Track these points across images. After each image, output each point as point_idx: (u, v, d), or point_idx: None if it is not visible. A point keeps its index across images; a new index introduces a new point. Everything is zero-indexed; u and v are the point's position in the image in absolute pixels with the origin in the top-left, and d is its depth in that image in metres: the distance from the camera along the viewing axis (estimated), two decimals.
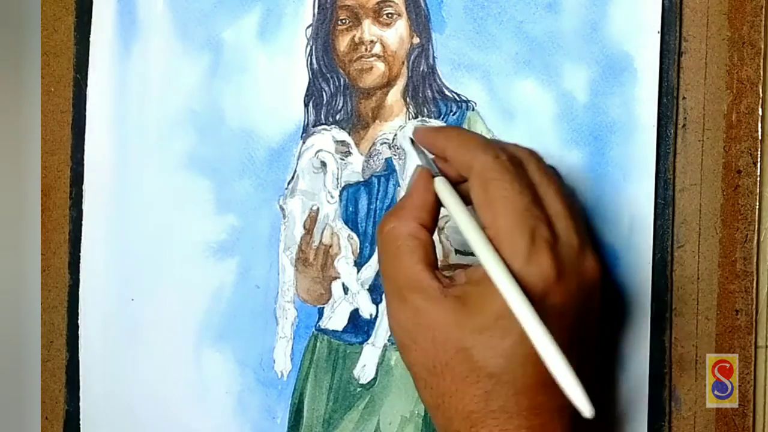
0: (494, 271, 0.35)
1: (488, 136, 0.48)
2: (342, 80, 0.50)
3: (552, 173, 0.40)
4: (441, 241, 0.48)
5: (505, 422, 0.35)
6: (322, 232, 0.50)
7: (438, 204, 0.40)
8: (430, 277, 0.37)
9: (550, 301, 0.36)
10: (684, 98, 0.47)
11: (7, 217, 0.47)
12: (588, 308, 0.38)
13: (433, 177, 0.40)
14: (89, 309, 0.53)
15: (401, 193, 0.49)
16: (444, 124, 0.49)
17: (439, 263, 0.49)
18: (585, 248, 0.38)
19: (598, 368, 0.46)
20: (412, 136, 0.43)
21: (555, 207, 0.38)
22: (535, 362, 0.34)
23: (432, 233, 0.39)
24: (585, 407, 0.33)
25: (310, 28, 0.50)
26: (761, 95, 0.45)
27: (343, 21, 0.50)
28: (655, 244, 0.46)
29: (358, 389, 0.50)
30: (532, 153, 0.40)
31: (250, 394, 0.51)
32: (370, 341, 0.50)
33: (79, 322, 0.53)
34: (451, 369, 0.36)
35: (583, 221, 0.41)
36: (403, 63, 0.49)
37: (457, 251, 0.48)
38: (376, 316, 0.50)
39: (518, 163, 0.38)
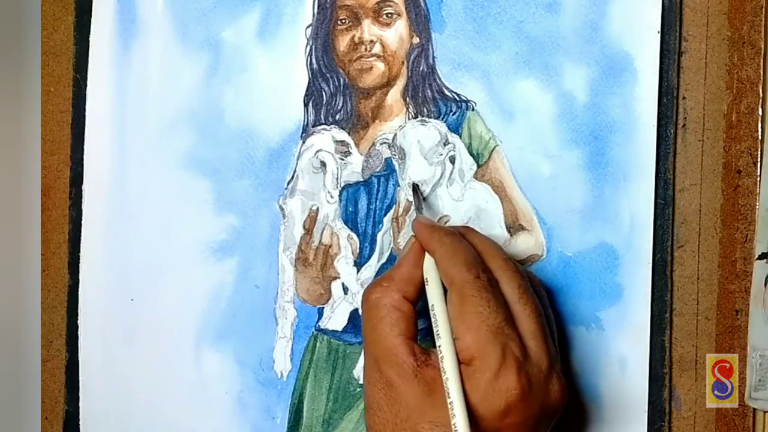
0: (450, 383, 0.37)
1: (488, 136, 0.48)
2: (342, 80, 0.50)
3: (530, 292, 0.41)
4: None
5: None
6: (322, 232, 0.50)
7: (423, 278, 0.41)
8: (407, 352, 0.39)
9: (508, 420, 0.37)
10: (684, 98, 0.47)
11: (7, 217, 0.47)
12: (543, 429, 0.40)
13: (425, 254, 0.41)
14: (89, 309, 0.53)
15: (401, 193, 0.49)
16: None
17: None
18: (553, 371, 0.40)
19: (599, 368, 0.46)
20: (414, 191, 0.47)
21: (529, 326, 0.39)
22: None
23: (415, 306, 0.41)
24: None
25: (310, 28, 0.50)
26: (761, 95, 0.45)
27: (343, 21, 0.50)
28: (655, 244, 0.46)
29: (358, 389, 0.50)
30: (515, 270, 0.41)
31: (249, 394, 0.51)
32: None
33: (78, 322, 0.53)
34: None
35: (554, 338, 0.42)
36: (402, 63, 0.49)
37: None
38: None
39: (496, 283, 0.40)
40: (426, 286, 0.41)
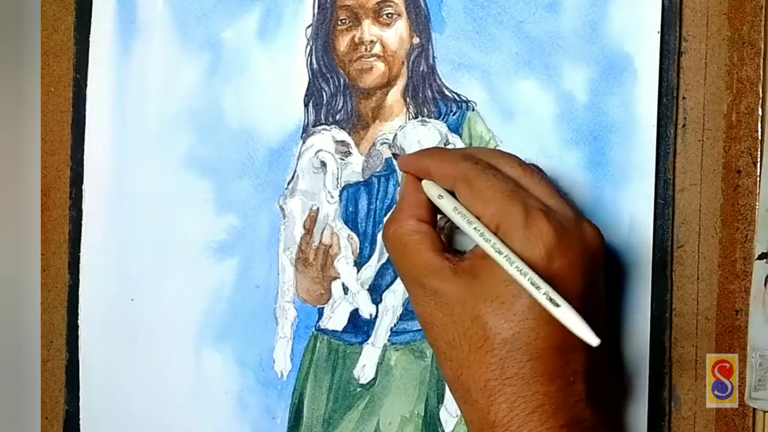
0: (487, 246, 0.37)
1: (488, 136, 0.48)
2: (342, 80, 0.50)
3: (531, 166, 0.41)
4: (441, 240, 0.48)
5: (521, 389, 0.36)
6: (322, 232, 0.50)
7: (431, 201, 0.42)
8: (440, 259, 0.39)
9: (555, 264, 0.37)
10: (684, 98, 0.47)
11: (7, 217, 0.47)
12: (594, 271, 0.39)
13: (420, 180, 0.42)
14: (89, 309, 0.53)
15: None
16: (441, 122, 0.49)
17: None
18: (581, 218, 0.40)
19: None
20: (393, 156, 0.47)
21: (541, 190, 0.40)
22: (546, 324, 0.36)
23: (433, 225, 0.41)
24: (590, 338, 0.35)
25: (310, 28, 0.50)
26: (761, 95, 0.45)
27: (343, 21, 0.50)
28: (655, 244, 0.46)
29: (358, 389, 0.50)
30: (509, 154, 0.42)
31: (249, 394, 0.51)
32: (370, 341, 0.50)
33: (79, 322, 0.53)
34: (468, 338, 0.38)
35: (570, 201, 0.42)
36: (403, 63, 0.49)
37: (456, 251, 0.48)
38: (376, 316, 0.50)
39: (495, 169, 0.40)
40: (436, 204, 0.41)
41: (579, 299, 0.37)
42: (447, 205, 0.40)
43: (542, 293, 0.35)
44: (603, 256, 0.40)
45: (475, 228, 0.38)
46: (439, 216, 0.43)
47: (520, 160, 0.42)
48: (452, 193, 0.41)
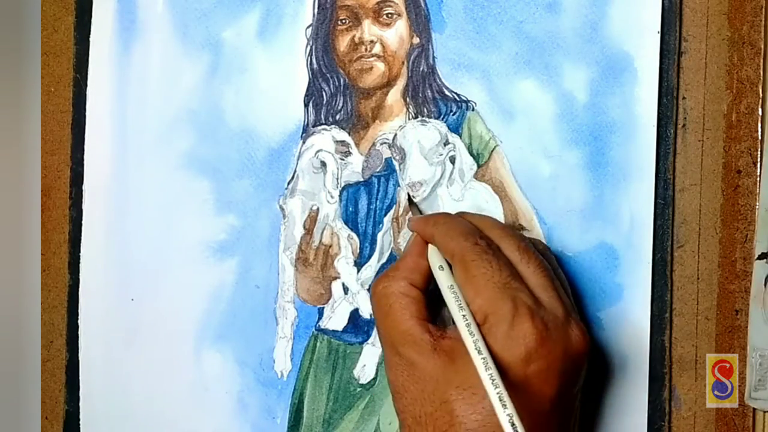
0: (468, 340, 0.37)
1: (488, 136, 0.48)
2: (342, 80, 0.50)
3: (531, 251, 0.41)
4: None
5: None
6: (322, 232, 0.50)
7: (430, 269, 0.41)
8: (422, 331, 0.39)
9: (532, 367, 0.37)
10: (684, 98, 0.47)
11: (7, 217, 0.47)
12: (572, 375, 0.39)
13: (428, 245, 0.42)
14: (89, 309, 0.53)
15: (401, 193, 0.49)
16: (442, 121, 0.49)
17: None
18: (570, 317, 0.39)
19: (598, 369, 0.46)
20: (410, 202, 0.48)
21: (536, 280, 0.40)
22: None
23: (424, 292, 0.41)
24: None
25: (310, 28, 0.50)
26: (761, 95, 0.45)
27: (343, 21, 0.50)
28: (655, 244, 0.46)
29: (358, 389, 0.50)
30: (513, 235, 0.42)
31: (250, 394, 0.51)
32: (370, 341, 0.50)
33: (79, 322, 0.53)
34: (434, 420, 0.38)
35: (568, 294, 0.42)
36: (403, 63, 0.49)
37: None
38: None
39: (497, 248, 0.40)
40: (434, 273, 0.41)
41: (550, 403, 0.37)
42: (443, 280, 0.40)
43: (506, 413, 0.35)
44: (585, 359, 0.40)
45: (463, 315, 0.38)
46: None
47: (524, 241, 0.41)
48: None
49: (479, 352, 0.36)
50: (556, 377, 0.38)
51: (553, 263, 0.43)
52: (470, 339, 0.37)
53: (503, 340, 0.37)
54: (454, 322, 0.39)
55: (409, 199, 0.48)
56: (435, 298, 0.41)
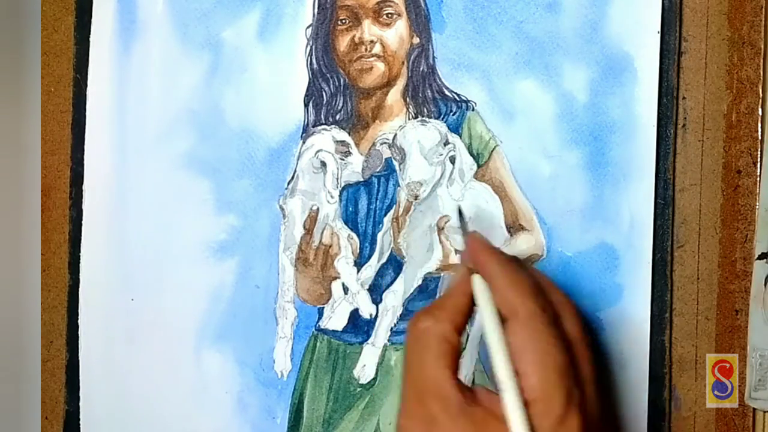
0: (513, 426, 0.34)
1: (488, 136, 0.48)
2: (342, 80, 0.50)
3: (587, 334, 0.38)
4: (441, 241, 0.48)
5: None
6: (322, 232, 0.50)
7: (471, 305, 0.38)
8: (455, 389, 0.36)
9: None
10: (684, 98, 0.47)
11: (7, 217, 0.47)
12: None
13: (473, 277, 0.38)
14: (89, 309, 0.53)
15: (401, 193, 0.49)
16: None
17: (440, 263, 0.49)
18: (602, 419, 0.37)
19: (598, 369, 0.46)
20: (461, 220, 0.43)
21: (586, 370, 0.37)
22: None
23: (461, 337, 0.38)
24: None
25: (310, 28, 0.50)
26: (761, 95, 0.45)
27: (343, 21, 0.50)
28: (655, 244, 0.46)
29: (358, 389, 0.50)
30: (574, 307, 0.38)
31: (250, 394, 0.51)
32: (370, 341, 0.50)
33: (78, 322, 0.53)
34: None
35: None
36: (403, 63, 0.49)
37: (456, 251, 0.48)
38: (376, 316, 0.50)
39: (557, 318, 0.37)
40: (477, 314, 0.37)
41: None
42: (495, 341, 0.36)
43: None
44: None
45: (507, 386, 0.34)
46: None
47: (582, 318, 0.38)
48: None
49: None
50: None
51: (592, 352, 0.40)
52: (517, 420, 0.34)
53: None
54: (483, 380, 0.36)
55: (460, 213, 0.43)
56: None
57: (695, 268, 0.47)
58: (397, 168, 0.49)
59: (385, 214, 0.50)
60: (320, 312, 0.50)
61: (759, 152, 0.45)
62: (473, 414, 0.35)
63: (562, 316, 0.37)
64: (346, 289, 0.50)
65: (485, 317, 0.36)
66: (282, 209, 0.51)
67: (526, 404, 0.34)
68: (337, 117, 0.50)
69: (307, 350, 0.50)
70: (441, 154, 0.49)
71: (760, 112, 0.45)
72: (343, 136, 0.50)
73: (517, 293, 0.36)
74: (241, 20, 0.51)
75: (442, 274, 0.49)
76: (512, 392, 0.34)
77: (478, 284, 0.37)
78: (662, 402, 0.46)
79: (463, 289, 0.38)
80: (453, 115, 0.49)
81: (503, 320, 0.36)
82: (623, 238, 0.46)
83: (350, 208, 0.50)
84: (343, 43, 0.50)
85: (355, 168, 0.50)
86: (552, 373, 0.35)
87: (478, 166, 0.48)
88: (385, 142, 0.50)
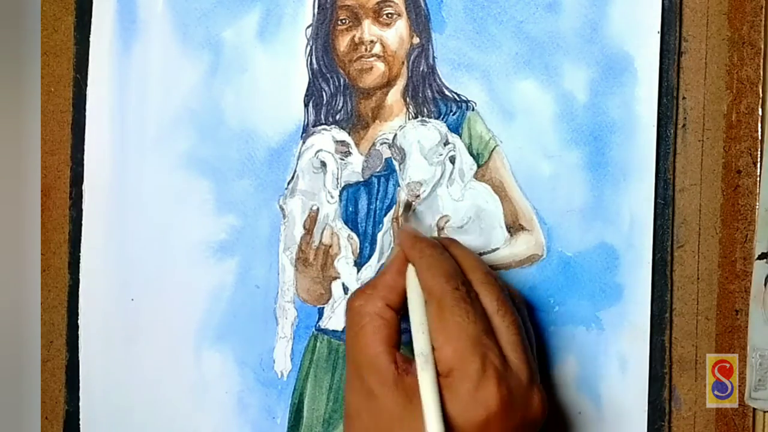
0: (424, 396, 0.36)
1: (488, 136, 0.48)
2: (342, 80, 0.50)
3: (508, 304, 0.40)
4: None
5: None
6: (322, 232, 0.50)
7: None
8: (389, 360, 0.38)
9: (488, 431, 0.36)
10: (684, 98, 0.47)
11: (7, 217, 0.47)
12: None
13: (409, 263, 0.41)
14: (89, 309, 0.53)
15: (401, 193, 0.49)
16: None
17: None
18: (534, 382, 0.39)
19: (599, 368, 0.46)
20: (405, 213, 0.48)
21: (509, 337, 0.39)
22: None
23: (398, 313, 0.40)
24: None
25: (310, 28, 0.50)
26: (761, 95, 0.45)
27: (343, 21, 0.50)
28: (655, 244, 0.46)
29: None
30: (494, 283, 0.41)
31: (250, 394, 0.51)
32: None
33: (79, 322, 0.53)
34: None
35: (534, 354, 0.41)
36: (403, 63, 0.49)
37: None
38: None
39: (476, 295, 0.40)
40: (408, 299, 0.40)
41: None
42: (416, 314, 0.39)
43: None
44: (539, 426, 0.39)
45: (423, 359, 0.37)
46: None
47: (503, 292, 0.41)
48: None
49: (432, 409, 0.36)
50: None
51: (525, 317, 0.42)
52: (428, 393, 0.36)
53: (465, 399, 0.36)
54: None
55: (407, 205, 0.48)
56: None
57: (695, 268, 0.47)
58: (397, 168, 0.49)
59: (385, 214, 0.50)
60: (320, 312, 0.51)
61: (759, 152, 0.45)
62: (406, 384, 0.38)
63: (480, 292, 0.40)
64: (346, 289, 0.50)
65: (409, 300, 0.40)
66: (282, 209, 0.51)
67: (446, 374, 0.37)
68: (337, 117, 0.50)
69: (307, 350, 0.51)
70: (441, 154, 0.49)
71: (760, 112, 0.45)
72: (343, 136, 0.50)
73: (432, 275, 0.39)
74: (241, 20, 0.51)
75: None
76: (426, 365, 0.37)
77: (410, 271, 0.40)
78: (662, 402, 0.46)
79: (397, 268, 0.41)
80: (453, 115, 0.49)
81: (425, 302, 0.39)
82: (623, 238, 0.46)
83: (350, 208, 0.50)
84: (343, 43, 0.50)
85: (355, 168, 0.50)
86: (464, 343, 0.37)
87: (478, 166, 0.49)
88: (385, 142, 0.50)
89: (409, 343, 0.39)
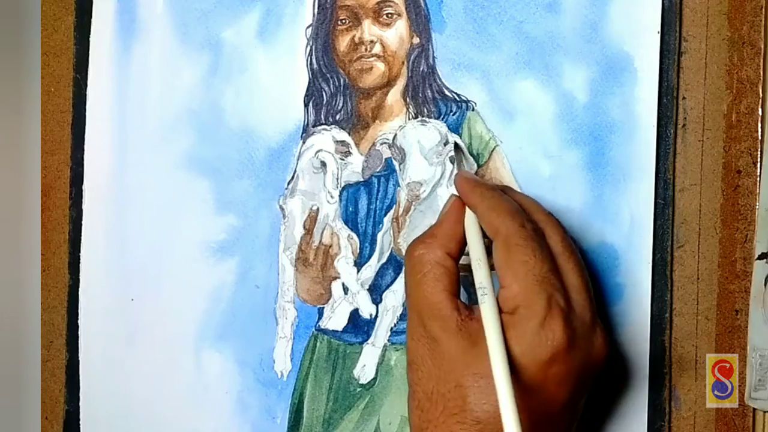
0: (488, 333, 0.36)
1: (488, 137, 0.48)
2: (342, 80, 0.50)
3: (573, 246, 0.41)
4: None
5: None
6: (322, 232, 0.50)
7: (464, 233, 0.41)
8: (452, 307, 0.39)
9: (553, 370, 0.37)
10: (684, 98, 0.47)
11: (7, 217, 0.47)
12: (587, 384, 0.39)
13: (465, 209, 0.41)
14: (89, 309, 0.53)
15: (401, 193, 0.49)
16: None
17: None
18: (596, 325, 0.39)
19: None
20: (456, 154, 0.47)
21: (573, 279, 0.39)
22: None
23: (458, 262, 0.40)
24: None
25: (310, 28, 0.50)
26: (761, 95, 0.45)
27: (343, 21, 0.50)
28: (655, 244, 0.46)
29: (358, 389, 0.50)
30: (558, 225, 0.41)
31: (250, 394, 0.51)
32: (370, 341, 0.50)
33: (79, 322, 0.53)
34: (446, 401, 0.37)
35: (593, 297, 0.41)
36: (403, 63, 0.49)
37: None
38: (376, 316, 0.50)
39: (542, 234, 0.40)
40: (469, 245, 0.40)
41: (561, 406, 0.37)
42: (480, 258, 0.39)
43: (510, 414, 0.34)
44: (602, 367, 0.40)
45: (482, 291, 0.37)
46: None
47: (567, 234, 0.41)
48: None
49: (497, 346, 0.36)
50: (573, 383, 0.37)
51: (583, 264, 0.42)
52: (492, 331, 0.36)
53: (531, 337, 0.36)
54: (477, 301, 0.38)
55: (456, 147, 0.47)
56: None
57: (695, 268, 0.47)
58: (397, 168, 0.49)
59: (386, 214, 0.50)
60: (320, 312, 0.51)
61: (759, 152, 0.45)
62: (469, 328, 0.38)
63: (546, 232, 0.40)
64: (346, 289, 0.50)
65: (469, 240, 0.40)
66: (282, 209, 0.51)
67: (511, 312, 0.37)
68: (337, 117, 0.50)
69: (307, 350, 0.51)
70: (441, 154, 0.49)
71: (760, 112, 0.45)
72: (343, 136, 0.50)
73: (497, 215, 0.39)
74: (241, 20, 0.51)
75: None
76: (489, 303, 0.37)
77: (469, 217, 0.41)
78: (662, 402, 0.46)
79: (454, 217, 0.41)
80: (453, 115, 0.49)
81: (490, 242, 0.39)
82: (623, 238, 0.46)
83: (350, 208, 0.50)
84: (343, 43, 0.50)
85: (355, 168, 0.50)
86: (531, 281, 0.37)
87: (478, 166, 0.49)
88: (385, 142, 0.50)
89: (473, 295, 0.39)
